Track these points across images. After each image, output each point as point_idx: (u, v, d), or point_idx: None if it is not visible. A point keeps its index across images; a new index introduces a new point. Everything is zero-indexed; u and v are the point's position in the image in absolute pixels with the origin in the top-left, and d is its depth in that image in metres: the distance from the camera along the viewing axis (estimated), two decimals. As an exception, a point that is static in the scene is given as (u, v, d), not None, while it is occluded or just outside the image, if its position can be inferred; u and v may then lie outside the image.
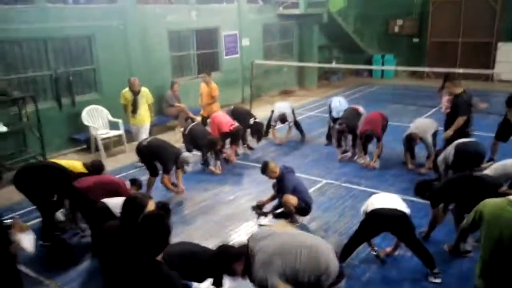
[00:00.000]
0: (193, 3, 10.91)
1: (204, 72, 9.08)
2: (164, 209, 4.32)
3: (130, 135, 8.34)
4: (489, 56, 14.40)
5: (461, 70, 11.44)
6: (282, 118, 8.63)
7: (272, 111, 8.80)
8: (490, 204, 2.73)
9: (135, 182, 5.43)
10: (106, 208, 4.22)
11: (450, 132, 6.22)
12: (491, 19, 14.27)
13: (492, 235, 2.58)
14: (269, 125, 8.86)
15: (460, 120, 6.08)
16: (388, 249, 4.67)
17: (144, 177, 6.38)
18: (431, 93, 8.96)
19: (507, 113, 6.60)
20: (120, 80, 8.49)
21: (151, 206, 3.61)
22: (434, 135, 6.92)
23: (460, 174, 4.72)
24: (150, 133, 8.00)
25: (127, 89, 7.84)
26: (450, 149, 5.60)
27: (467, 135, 6.12)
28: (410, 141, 6.88)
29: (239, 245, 3.24)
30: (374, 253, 4.67)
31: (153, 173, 6.22)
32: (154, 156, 6.15)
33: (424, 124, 7.04)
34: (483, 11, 14.32)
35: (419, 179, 5.16)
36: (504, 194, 3.69)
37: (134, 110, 7.81)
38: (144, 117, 7.92)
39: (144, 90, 7.87)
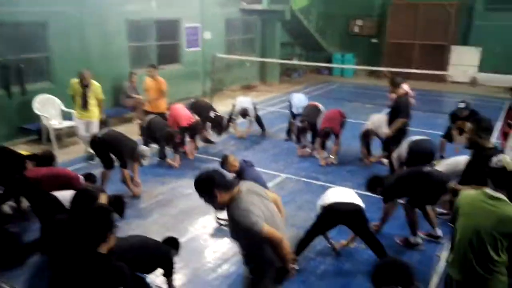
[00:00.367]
0: (154, -7, 10.67)
1: (150, 66, 8.33)
2: (118, 202, 4.21)
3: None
4: (443, 58, 15.01)
5: (416, 71, 11.86)
6: (244, 113, 8.62)
7: (234, 105, 8.77)
8: (467, 197, 2.83)
9: (89, 176, 5.24)
10: (56, 200, 4.04)
11: (389, 132, 6.35)
12: (446, 23, 14.86)
13: (470, 226, 2.71)
14: (230, 119, 8.82)
15: (400, 122, 6.19)
16: (344, 241, 4.77)
17: (97, 170, 6.17)
18: (388, 92, 9.28)
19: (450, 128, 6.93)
20: (75, 69, 8.09)
21: (102, 199, 3.49)
22: None
23: (410, 170, 4.87)
24: (106, 125, 7.74)
25: (76, 80, 7.27)
26: (404, 147, 5.79)
27: (405, 133, 6.34)
28: (366, 136, 7.05)
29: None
30: (330, 245, 4.75)
31: (108, 166, 6.01)
32: (110, 149, 5.95)
33: (379, 120, 7.23)
34: (439, 15, 14.88)
35: (372, 175, 5.30)
36: (452, 189, 3.86)
37: (84, 104, 7.24)
38: (94, 112, 7.38)
39: (95, 84, 7.35)
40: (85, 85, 7.19)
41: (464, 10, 14.96)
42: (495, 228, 2.64)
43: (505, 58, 14.03)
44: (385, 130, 6.97)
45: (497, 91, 12.45)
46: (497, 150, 3.79)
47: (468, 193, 2.88)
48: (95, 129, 7.32)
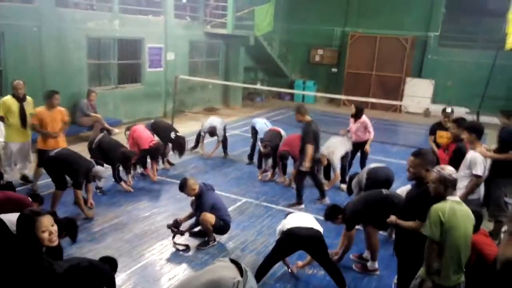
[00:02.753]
0: (117, 11, 10.53)
1: (54, 92, 6.34)
2: (70, 225, 3.98)
3: (35, 144, 7.03)
4: (398, 89, 15.68)
5: (373, 100, 12.28)
6: (212, 131, 8.61)
7: (203, 123, 8.82)
8: (446, 208, 3.15)
9: (36, 197, 4.92)
10: (1, 222, 3.75)
11: (307, 164, 6.30)
12: (402, 56, 15.58)
13: (461, 234, 3.15)
14: (199, 137, 8.86)
15: (309, 149, 6.27)
16: (301, 263, 4.75)
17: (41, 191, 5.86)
18: (347, 119, 9.53)
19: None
20: (30, 84, 7.75)
21: (46, 221, 3.22)
22: (346, 155, 7.30)
23: (370, 195, 4.86)
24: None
25: (8, 96, 6.40)
26: (363, 174, 5.89)
27: (316, 160, 6.51)
28: (319, 163, 7.11)
29: None
30: (289, 271, 4.70)
31: (60, 186, 5.71)
32: (63, 168, 5.68)
33: (335, 144, 7.38)
34: (395, 48, 15.60)
35: (330, 204, 5.34)
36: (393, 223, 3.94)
37: (24, 121, 6.36)
38: (29, 131, 6.59)
39: (29, 98, 6.57)
40: (21, 99, 6.40)
41: (419, 44, 15.82)
42: (470, 226, 3.21)
43: (457, 91, 14.89)
44: (338, 155, 7.11)
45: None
46: None
47: (444, 207, 3.15)
48: (29, 152, 6.78)
